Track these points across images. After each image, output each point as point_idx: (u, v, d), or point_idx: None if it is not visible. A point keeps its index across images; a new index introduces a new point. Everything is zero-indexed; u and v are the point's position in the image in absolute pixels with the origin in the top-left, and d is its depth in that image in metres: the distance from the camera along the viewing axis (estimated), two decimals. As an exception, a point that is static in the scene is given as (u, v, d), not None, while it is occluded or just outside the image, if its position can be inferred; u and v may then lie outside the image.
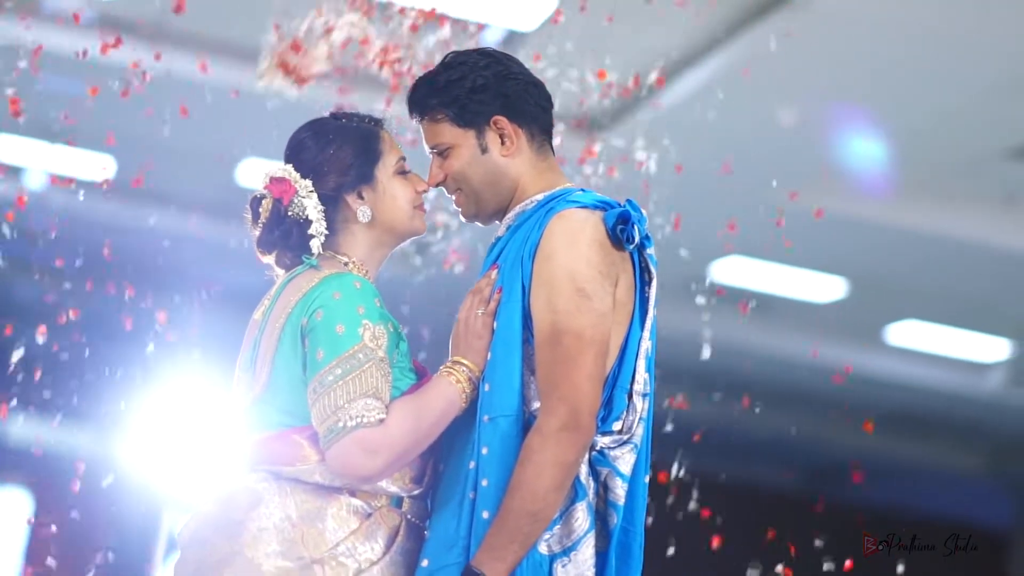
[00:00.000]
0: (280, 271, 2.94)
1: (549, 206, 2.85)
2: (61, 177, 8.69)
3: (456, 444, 2.81)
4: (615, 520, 2.77)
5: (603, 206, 2.83)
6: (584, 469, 2.75)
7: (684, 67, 6.83)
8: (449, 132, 2.92)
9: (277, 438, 2.77)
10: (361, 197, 2.91)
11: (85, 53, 5.40)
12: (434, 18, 4.92)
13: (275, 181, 2.90)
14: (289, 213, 2.88)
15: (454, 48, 4.28)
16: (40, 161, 8.43)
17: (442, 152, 2.94)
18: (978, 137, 7.24)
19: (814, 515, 13.58)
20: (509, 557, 2.67)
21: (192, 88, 6.77)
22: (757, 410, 10.77)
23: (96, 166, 8.33)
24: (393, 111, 3.06)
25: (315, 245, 2.87)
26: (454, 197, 2.96)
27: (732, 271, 9.50)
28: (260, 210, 2.92)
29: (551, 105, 2.97)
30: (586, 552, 2.74)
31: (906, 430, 12.74)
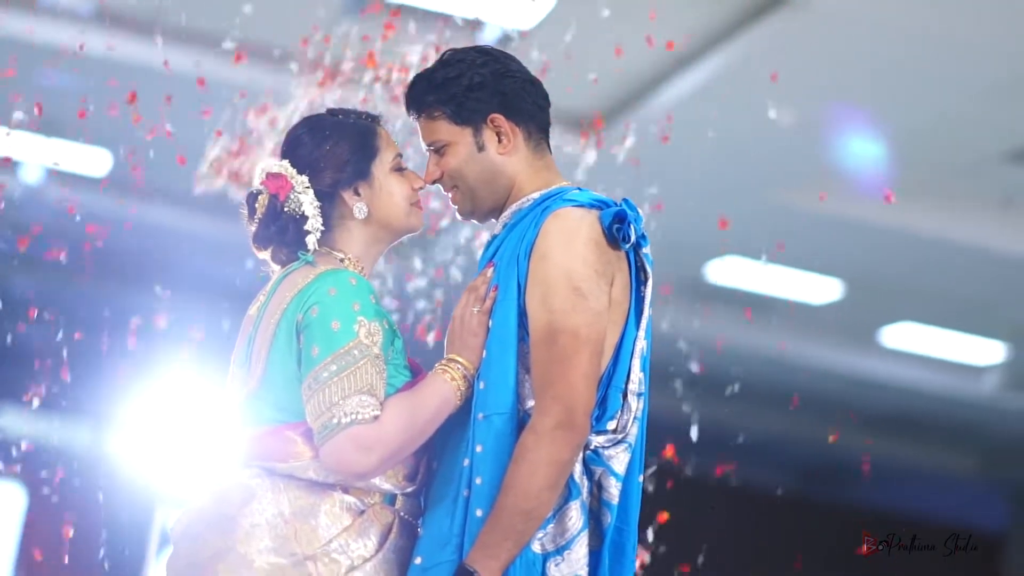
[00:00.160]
0: (276, 267, 2.94)
1: (545, 204, 2.85)
2: (57, 171, 8.69)
3: (450, 442, 2.81)
4: (609, 519, 2.76)
5: (599, 205, 2.82)
6: (578, 468, 2.75)
7: (683, 67, 6.83)
8: (446, 129, 2.92)
9: (271, 434, 2.77)
10: (357, 193, 2.90)
11: (82, 47, 5.40)
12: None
13: (271, 177, 2.90)
14: (285, 209, 2.88)
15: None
16: (36, 155, 8.42)
17: (439, 149, 2.93)
18: (976, 140, 7.24)
19: (810, 516, 13.60)
20: (502, 555, 2.67)
21: (190, 85, 6.76)
22: (750, 411, 10.77)
23: (92, 160, 8.32)
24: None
25: (311, 241, 2.86)
26: (450, 195, 2.96)
27: (728, 272, 9.50)
28: (256, 206, 2.91)
29: (548, 103, 2.98)
30: (579, 551, 2.74)
31: (901, 432, 12.75)
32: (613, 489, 2.76)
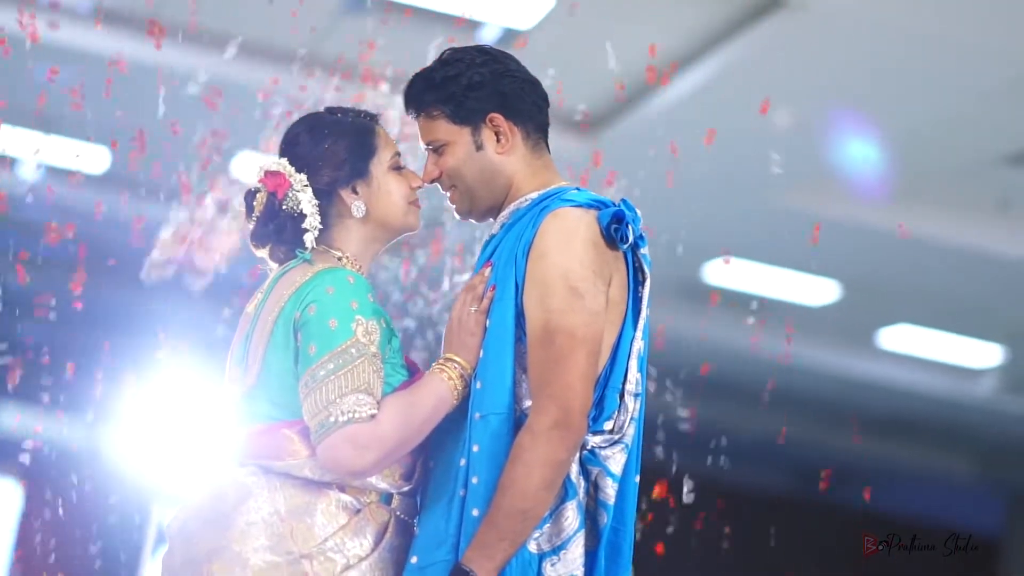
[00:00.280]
0: (273, 265, 2.93)
1: (543, 204, 2.84)
2: (54, 168, 8.69)
3: (447, 441, 2.81)
4: (605, 519, 2.76)
5: (597, 205, 2.82)
6: (575, 468, 2.75)
7: (681, 67, 6.82)
8: (445, 129, 2.91)
9: (267, 432, 2.77)
10: (355, 192, 2.90)
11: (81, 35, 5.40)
12: None
13: (270, 175, 2.90)
14: (283, 207, 2.88)
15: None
16: (33, 151, 8.41)
17: (437, 149, 2.93)
18: (974, 142, 7.24)
19: (808, 517, 13.59)
20: (498, 555, 2.67)
21: (189, 81, 6.76)
22: (747, 412, 10.77)
23: (90, 156, 8.32)
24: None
25: (309, 239, 2.86)
26: (448, 194, 2.96)
27: (725, 273, 9.50)
28: (254, 204, 2.91)
29: (547, 103, 2.97)
30: (575, 551, 2.74)
31: (897, 435, 12.75)
32: (609, 489, 2.76)
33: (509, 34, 6.63)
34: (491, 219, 2.96)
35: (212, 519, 2.74)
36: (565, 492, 2.74)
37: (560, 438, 2.68)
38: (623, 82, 6.91)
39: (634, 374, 2.81)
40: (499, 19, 6.56)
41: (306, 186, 2.88)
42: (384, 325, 2.80)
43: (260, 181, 2.91)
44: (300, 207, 2.87)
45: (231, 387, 2.86)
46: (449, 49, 2.96)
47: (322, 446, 2.70)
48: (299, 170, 2.89)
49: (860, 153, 7.45)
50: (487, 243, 2.93)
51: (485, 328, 2.81)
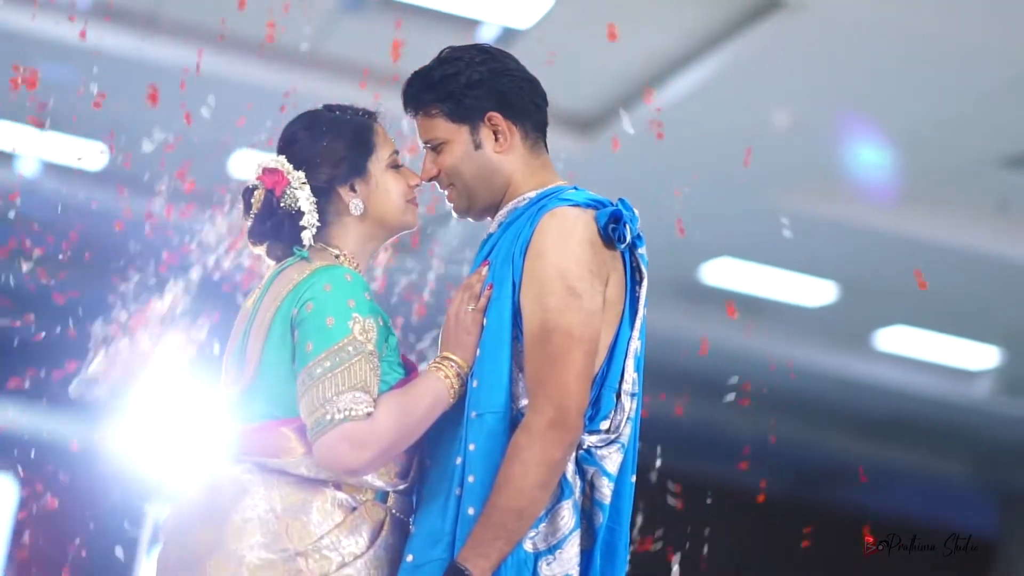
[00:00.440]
0: (271, 262, 2.93)
1: (541, 204, 2.84)
2: (53, 164, 8.68)
3: (443, 440, 2.81)
4: (601, 519, 2.76)
5: (595, 205, 2.82)
6: (571, 467, 2.75)
7: (680, 67, 6.82)
8: (443, 127, 2.91)
9: (264, 429, 2.76)
10: (354, 190, 2.90)
11: (83, 34, 5.40)
12: None
13: (268, 172, 2.90)
14: (281, 204, 2.88)
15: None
16: (31, 147, 8.41)
17: (436, 147, 2.93)
18: (972, 144, 7.25)
19: (803, 518, 13.58)
20: (494, 554, 2.67)
21: (187, 77, 6.75)
22: (744, 413, 10.77)
23: (89, 153, 8.31)
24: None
25: (307, 237, 2.86)
26: (447, 192, 2.96)
27: (723, 273, 9.50)
28: (252, 201, 2.91)
29: (546, 102, 2.97)
30: (571, 550, 2.74)
31: (893, 436, 12.75)
32: (605, 489, 2.76)
33: (508, 33, 6.64)
34: (489, 218, 2.96)
35: (208, 516, 2.74)
36: (561, 491, 2.74)
37: (556, 437, 2.68)
38: (622, 82, 6.91)
39: (631, 374, 2.81)
40: (498, 18, 6.57)
41: (304, 183, 2.88)
42: (381, 323, 2.80)
43: (258, 178, 2.91)
44: (298, 205, 2.87)
45: (228, 384, 2.86)
46: (448, 47, 2.96)
47: (318, 444, 2.70)
48: (297, 167, 2.89)
49: (859, 154, 7.45)
50: (484, 242, 2.93)
51: (482, 327, 2.81)
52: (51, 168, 8.74)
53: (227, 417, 2.83)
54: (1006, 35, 6.11)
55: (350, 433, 2.69)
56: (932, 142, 7.26)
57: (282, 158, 2.90)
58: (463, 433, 2.76)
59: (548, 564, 2.73)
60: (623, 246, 2.80)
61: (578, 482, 2.76)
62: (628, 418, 2.80)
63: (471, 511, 2.71)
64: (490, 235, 2.93)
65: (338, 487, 2.77)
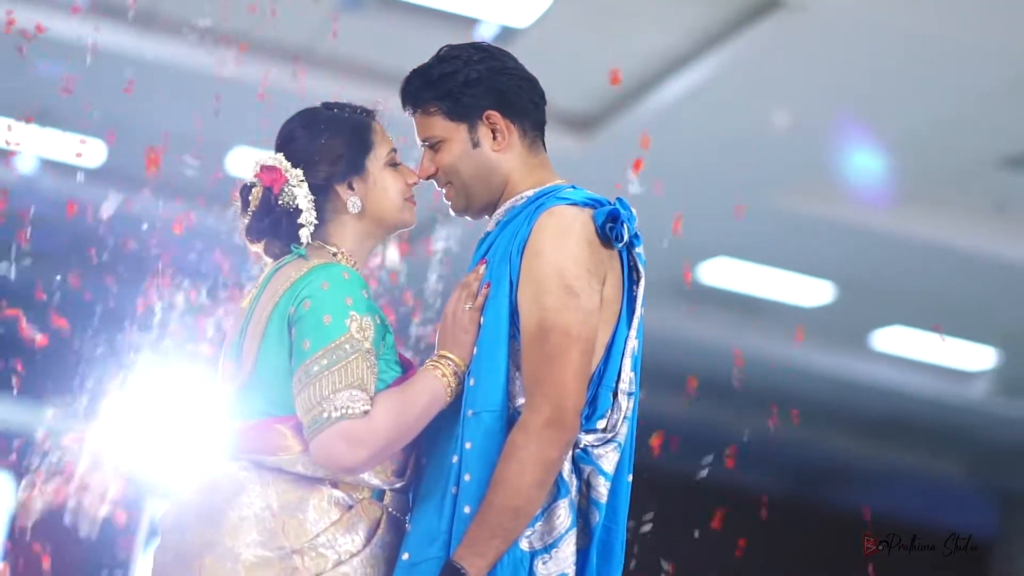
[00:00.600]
0: (268, 260, 2.93)
1: (539, 202, 2.84)
2: (48, 161, 8.68)
3: (440, 438, 2.80)
4: (597, 518, 2.76)
5: (593, 204, 2.82)
6: (567, 466, 2.75)
7: (679, 67, 6.82)
8: (441, 125, 2.91)
9: (260, 427, 2.76)
10: (351, 188, 2.90)
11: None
12: None
13: (266, 170, 2.90)
14: (279, 202, 2.88)
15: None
16: (27, 144, 8.40)
17: (434, 145, 2.93)
18: (971, 145, 7.25)
19: (800, 519, 13.58)
20: (490, 553, 2.67)
21: (185, 75, 6.75)
22: (741, 413, 10.77)
23: (84, 150, 8.30)
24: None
25: (304, 234, 2.86)
26: (444, 190, 2.95)
27: (720, 272, 9.50)
28: (250, 198, 2.91)
29: (544, 101, 2.97)
30: (567, 549, 2.74)
31: (890, 436, 12.75)
32: (602, 488, 2.76)
33: (506, 32, 6.64)
34: (487, 216, 2.96)
35: (204, 513, 2.74)
36: (557, 490, 2.73)
37: (553, 436, 2.68)
38: (621, 81, 6.90)
39: (628, 373, 2.81)
40: (496, 17, 6.56)
41: (302, 181, 2.87)
42: (378, 321, 2.80)
43: (256, 176, 2.90)
44: (296, 202, 2.87)
45: (225, 382, 2.85)
46: (447, 46, 2.96)
47: (315, 442, 2.70)
48: (295, 165, 2.88)
49: (857, 154, 7.45)
50: (482, 240, 2.93)
51: (479, 326, 2.81)
52: (49, 165, 8.73)
53: (224, 414, 2.83)
54: (1005, 35, 6.11)
55: (347, 431, 2.68)
56: (930, 142, 7.27)
57: (280, 156, 2.90)
58: (460, 431, 2.76)
59: (544, 563, 2.73)
60: (620, 245, 2.80)
61: (574, 481, 2.76)
62: (625, 417, 2.80)
63: (467, 509, 2.71)
64: (488, 233, 2.93)
65: (335, 485, 2.77)
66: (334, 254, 2.88)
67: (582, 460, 2.76)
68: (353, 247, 2.91)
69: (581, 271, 2.75)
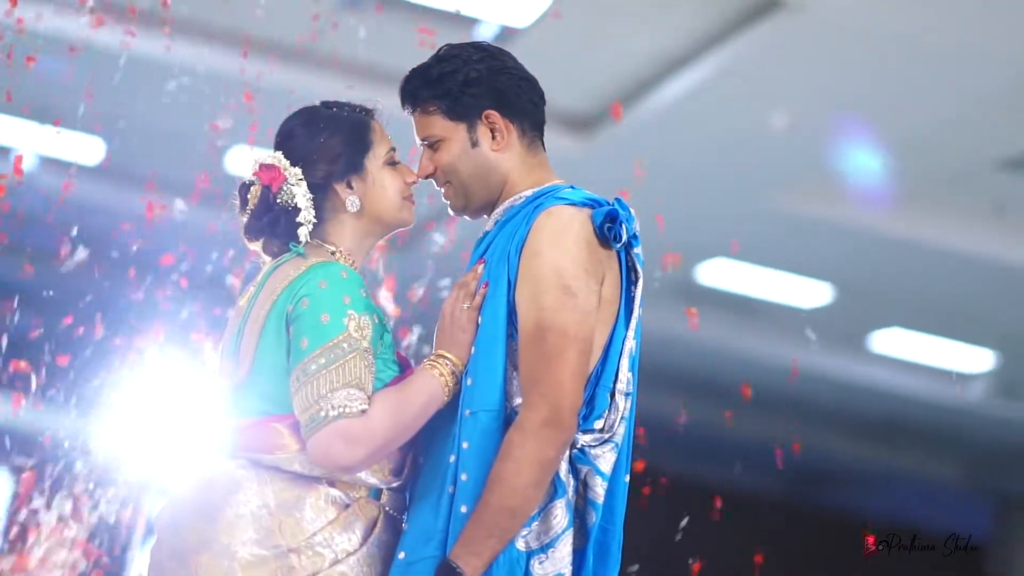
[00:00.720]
0: (267, 258, 2.93)
1: (537, 202, 2.84)
2: (47, 158, 8.68)
3: (437, 437, 2.80)
4: (594, 518, 2.76)
5: (591, 204, 2.82)
6: (564, 466, 2.74)
7: (678, 67, 6.82)
8: (440, 125, 2.91)
9: (258, 425, 2.76)
10: (350, 187, 2.90)
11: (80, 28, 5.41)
12: None
13: (264, 168, 2.90)
14: (278, 201, 2.88)
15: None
16: (27, 142, 8.41)
17: (433, 144, 2.93)
18: (969, 147, 7.25)
19: (798, 520, 13.58)
20: (486, 552, 2.67)
21: (184, 74, 6.74)
22: (740, 414, 10.77)
23: (84, 149, 8.31)
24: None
25: (303, 233, 2.86)
26: (443, 190, 2.95)
27: (719, 273, 9.50)
28: (248, 197, 2.91)
29: (543, 101, 2.97)
30: (564, 549, 2.74)
31: (888, 438, 12.75)
32: (599, 488, 2.76)
33: (506, 32, 6.64)
34: (485, 216, 2.96)
35: (201, 511, 2.74)
36: (554, 490, 2.73)
37: (550, 436, 2.68)
38: (621, 81, 6.91)
39: (625, 373, 2.81)
40: (496, 17, 6.56)
41: (301, 180, 2.87)
42: (376, 320, 2.80)
43: (255, 174, 2.90)
44: (294, 201, 2.87)
45: (222, 380, 2.85)
46: (446, 45, 2.96)
47: (312, 440, 2.70)
48: (294, 164, 2.88)
49: (856, 155, 7.45)
50: (480, 240, 2.93)
51: (477, 325, 2.81)
52: (47, 162, 8.73)
53: (221, 413, 2.83)
54: (1004, 38, 6.11)
55: (344, 430, 2.68)
56: (929, 144, 7.27)
57: (279, 154, 2.90)
58: (457, 431, 2.76)
59: (540, 563, 2.73)
60: (619, 245, 2.80)
61: (571, 481, 2.76)
62: (622, 417, 2.80)
63: (464, 509, 2.71)
64: (486, 233, 2.93)
65: (332, 484, 2.77)
66: (332, 253, 2.88)
67: (579, 460, 2.76)
68: (352, 246, 2.91)
69: (579, 271, 2.75)
